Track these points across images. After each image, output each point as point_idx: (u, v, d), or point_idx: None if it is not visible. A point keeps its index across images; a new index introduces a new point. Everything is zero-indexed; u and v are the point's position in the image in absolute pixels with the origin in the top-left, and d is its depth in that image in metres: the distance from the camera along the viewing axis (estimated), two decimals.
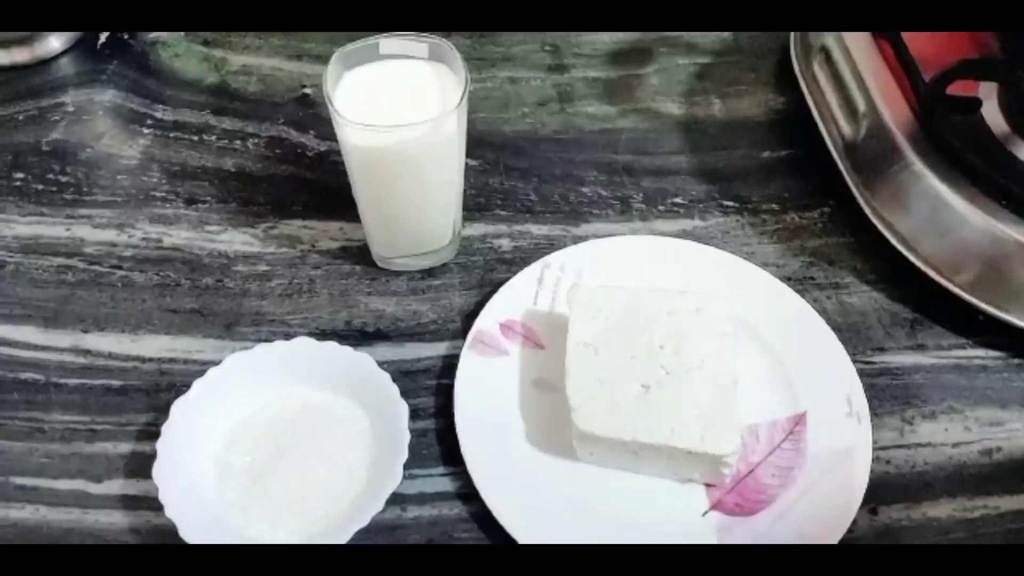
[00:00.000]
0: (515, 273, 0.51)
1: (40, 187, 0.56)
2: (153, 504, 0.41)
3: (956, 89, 0.51)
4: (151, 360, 0.48)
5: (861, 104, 0.55)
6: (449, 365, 0.48)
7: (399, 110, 0.44)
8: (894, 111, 0.53)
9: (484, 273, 0.53)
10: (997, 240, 0.48)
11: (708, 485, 0.44)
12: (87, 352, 0.48)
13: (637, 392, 0.43)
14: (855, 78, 0.56)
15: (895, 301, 0.52)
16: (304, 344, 0.45)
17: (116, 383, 0.47)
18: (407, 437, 0.42)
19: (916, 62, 0.53)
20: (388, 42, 0.46)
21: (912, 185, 0.51)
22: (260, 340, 0.47)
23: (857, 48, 0.57)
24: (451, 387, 0.46)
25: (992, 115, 0.52)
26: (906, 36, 0.54)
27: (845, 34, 0.57)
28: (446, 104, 0.45)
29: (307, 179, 0.57)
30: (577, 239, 0.54)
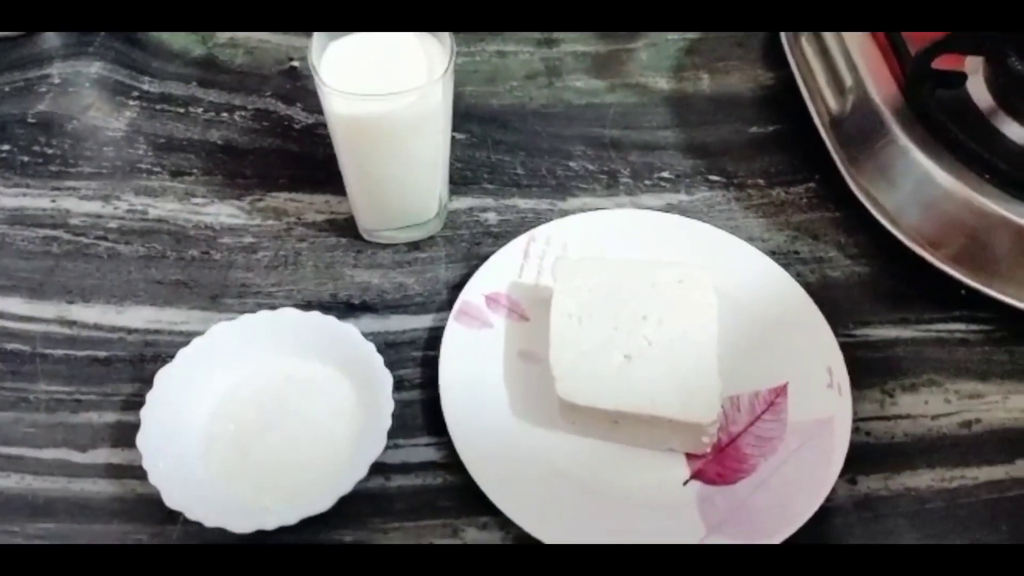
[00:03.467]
0: (501, 246, 0.51)
1: (26, 159, 0.56)
2: (138, 473, 0.41)
3: (942, 63, 0.51)
4: (136, 331, 0.48)
5: (848, 79, 0.55)
6: (434, 337, 0.48)
7: (385, 80, 0.44)
8: (880, 86, 0.53)
9: (470, 246, 0.53)
10: (980, 214, 0.48)
11: (689, 455, 0.44)
12: (72, 323, 0.49)
13: (620, 362, 0.43)
14: (843, 53, 0.56)
15: (878, 275, 0.53)
16: (288, 314, 0.45)
17: (101, 354, 0.47)
18: (391, 406, 0.42)
19: (903, 37, 0.53)
20: None
21: (897, 160, 0.51)
22: (245, 311, 0.47)
23: None
24: (436, 358, 0.46)
25: (977, 89, 0.52)
26: None
27: None
28: (432, 74, 0.45)
29: (293, 152, 0.57)
30: (564, 213, 0.54)
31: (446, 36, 0.45)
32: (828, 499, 0.42)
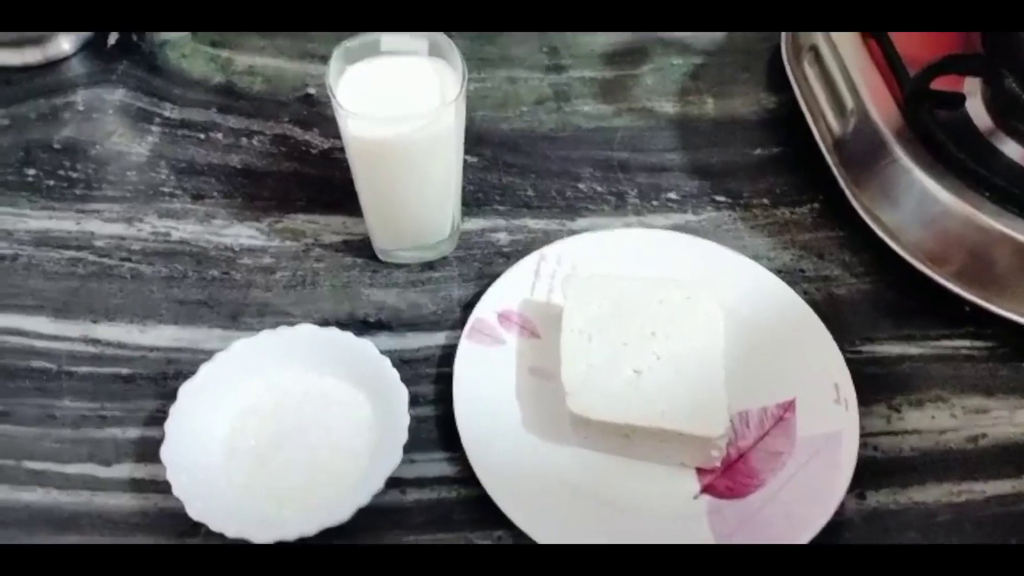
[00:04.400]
0: (513, 265, 0.52)
1: (51, 183, 0.57)
2: (161, 487, 0.42)
3: (941, 85, 0.52)
4: (159, 349, 0.50)
5: (849, 101, 0.56)
6: (448, 354, 0.49)
7: (400, 103, 0.45)
8: (881, 108, 0.54)
9: (483, 266, 0.54)
10: (982, 231, 0.49)
11: (700, 469, 0.45)
12: (97, 341, 0.50)
13: (629, 377, 0.44)
14: (844, 76, 0.57)
15: (883, 292, 0.53)
16: (307, 331, 0.47)
17: (125, 371, 0.49)
18: (407, 420, 0.43)
19: (903, 60, 0.54)
20: (389, 38, 0.48)
21: (899, 179, 0.52)
22: (264, 330, 0.48)
23: (846, 47, 0.58)
24: (450, 375, 0.47)
25: (976, 110, 0.53)
26: (893, 35, 0.56)
27: (834, 34, 0.59)
28: (445, 98, 0.46)
29: (311, 175, 0.59)
30: (573, 233, 0.55)
31: (458, 61, 0.47)
32: (837, 513, 0.43)
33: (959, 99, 0.53)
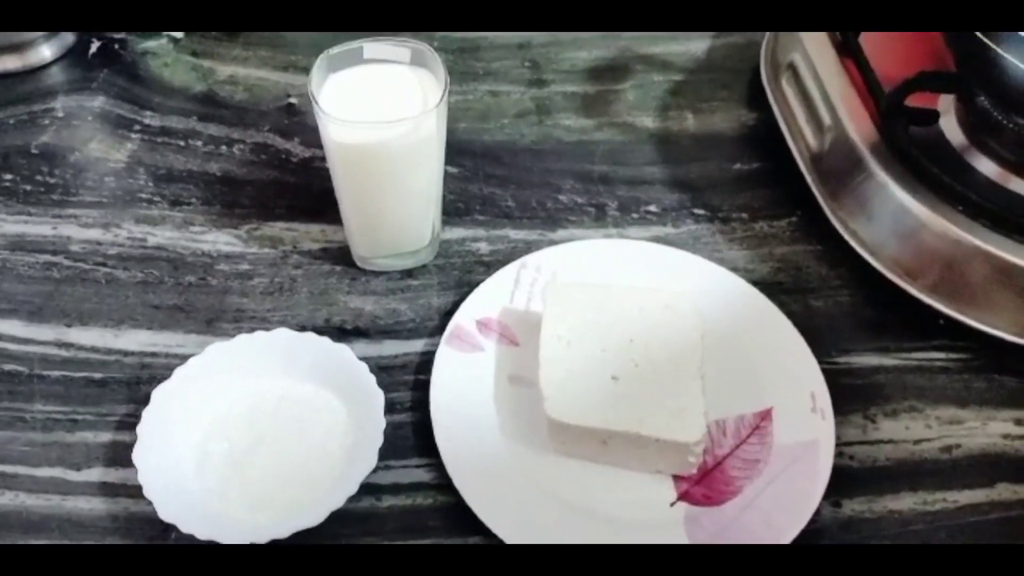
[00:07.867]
0: (492, 275, 0.52)
1: (28, 188, 0.57)
2: (132, 491, 0.42)
3: (915, 102, 0.53)
4: (133, 354, 0.49)
5: (827, 118, 0.57)
6: (426, 361, 0.49)
7: (381, 110, 0.46)
8: (857, 125, 0.55)
9: (462, 274, 0.54)
10: (956, 245, 0.49)
11: (676, 477, 0.45)
12: (70, 345, 0.49)
13: (607, 383, 0.44)
14: (821, 94, 0.58)
15: (859, 305, 0.54)
16: (283, 335, 0.46)
17: (97, 375, 0.48)
18: (382, 424, 0.43)
19: (878, 78, 0.55)
20: (371, 47, 0.48)
21: (875, 194, 0.53)
22: (240, 334, 0.48)
23: (823, 65, 0.59)
24: (427, 382, 0.47)
25: (950, 127, 0.54)
26: (869, 54, 0.57)
27: (812, 52, 0.60)
28: (427, 105, 0.47)
29: (291, 184, 0.59)
30: (553, 243, 0.55)
31: (440, 70, 0.47)
32: (813, 521, 0.43)
33: (933, 116, 0.54)
